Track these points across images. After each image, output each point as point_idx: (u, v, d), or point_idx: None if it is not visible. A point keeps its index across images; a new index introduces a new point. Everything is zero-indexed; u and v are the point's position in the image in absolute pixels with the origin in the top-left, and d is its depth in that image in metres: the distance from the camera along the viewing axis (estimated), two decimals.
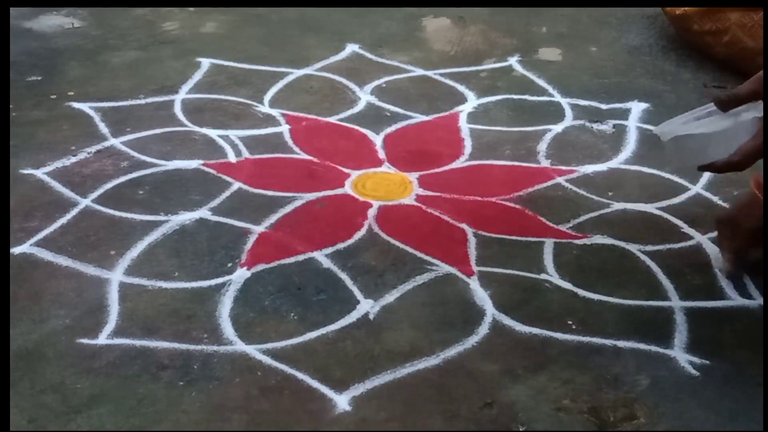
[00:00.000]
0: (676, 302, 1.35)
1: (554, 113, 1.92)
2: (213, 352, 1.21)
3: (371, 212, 1.54)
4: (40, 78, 1.98)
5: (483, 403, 1.15)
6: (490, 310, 1.32)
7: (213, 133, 1.78)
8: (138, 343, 1.23)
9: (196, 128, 1.80)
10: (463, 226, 1.51)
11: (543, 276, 1.39)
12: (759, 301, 1.36)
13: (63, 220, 1.49)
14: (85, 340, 1.23)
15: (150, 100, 1.91)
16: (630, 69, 2.14)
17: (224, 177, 1.63)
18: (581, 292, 1.36)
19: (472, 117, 1.89)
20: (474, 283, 1.37)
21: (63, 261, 1.39)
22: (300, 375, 1.18)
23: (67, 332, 1.24)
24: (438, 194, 1.60)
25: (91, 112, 1.84)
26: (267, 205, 1.55)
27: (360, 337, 1.26)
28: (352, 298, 1.33)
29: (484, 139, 1.81)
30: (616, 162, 1.73)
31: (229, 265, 1.39)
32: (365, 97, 1.96)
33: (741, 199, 1.39)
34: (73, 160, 1.66)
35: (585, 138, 1.83)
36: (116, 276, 1.36)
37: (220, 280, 1.36)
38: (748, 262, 1.39)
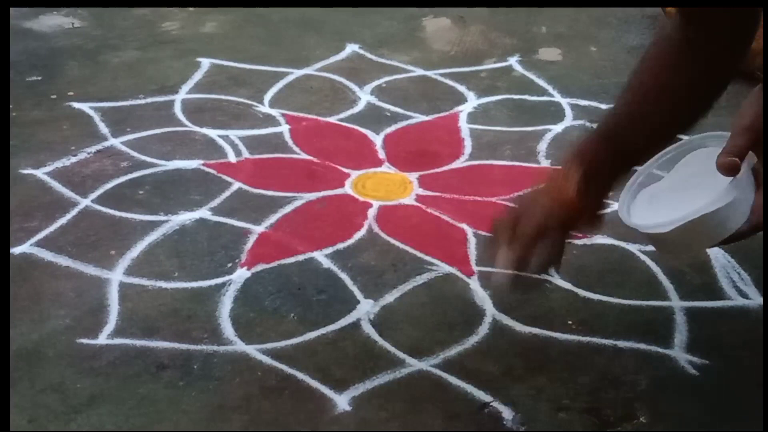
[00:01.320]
0: (676, 302, 1.35)
1: (554, 113, 1.92)
2: (213, 352, 1.21)
3: (371, 212, 1.55)
4: (40, 78, 1.98)
5: (483, 403, 1.15)
6: (490, 310, 1.32)
7: (213, 133, 1.78)
8: (138, 343, 1.23)
9: (196, 128, 1.80)
10: (463, 226, 1.51)
11: (543, 276, 1.39)
12: (759, 301, 1.36)
13: (63, 220, 1.49)
14: (85, 340, 1.23)
15: (150, 100, 1.91)
16: (630, 69, 2.13)
17: (224, 177, 1.63)
18: (581, 292, 1.36)
19: (472, 117, 1.89)
20: (474, 283, 1.37)
21: (63, 261, 1.39)
22: (300, 375, 1.18)
23: (67, 332, 1.24)
24: (438, 194, 1.60)
25: (91, 112, 1.84)
26: (267, 205, 1.55)
27: (360, 337, 1.26)
28: (352, 298, 1.33)
29: (484, 139, 1.81)
30: None
31: (229, 265, 1.39)
32: (365, 97, 1.96)
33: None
34: (73, 160, 1.66)
35: None
36: (116, 276, 1.36)
37: (220, 280, 1.36)
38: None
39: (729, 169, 0.96)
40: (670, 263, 1.43)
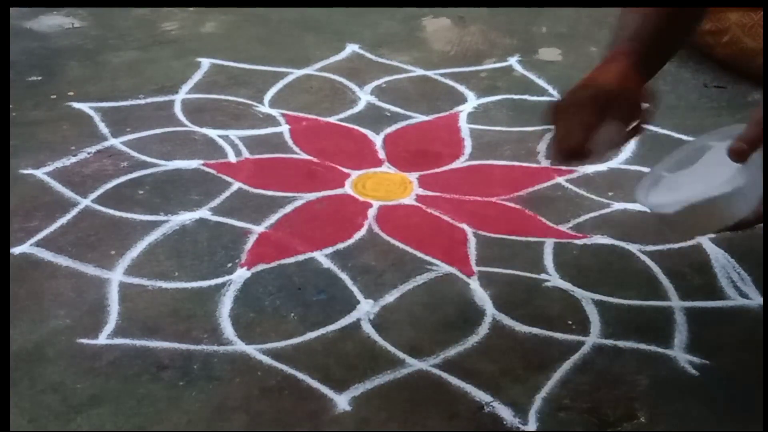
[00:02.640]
0: (676, 302, 1.35)
1: None
2: (213, 352, 1.21)
3: (371, 212, 1.55)
4: (40, 78, 1.98)
5: (483, 403, 1.15)
6: (490, 310, 1.32)
7: (213, 133, 1.78)
8: (138, 343, 1.23)
9: (196, 128, 1.80)
10: (463, 226, 1.51)
11: (543, 276, 1.39)
12: (758, 301, 1.36)
13: (63, 220, 1.49)
14: (85, 340, 1.23)
15: (150, 100, 1.91)
16: None
17: (224, 177, 1.63)
18: (581, 292, 1.36)
19: (472, 117, 1.89)
20: (474, 283, 1.37)
21: (63, 261, 1.39)
22: (300, 375, 1.18)
23: (67, 332, 1.24)
24: (438, 194, 1.61)
25: (91, 112, 1.84)
26: (267, 205, 1.55)
27: (360, 337, 1.26)
28: (352, 298, 1.33)
29: (484, 139, 1.81)
30: (616, 162, 1.73)
31: (229, 265, 1.39)
32: (365, 97, 1.96)
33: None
34: (73, 160, 1.66)
35: None
36: (116, 276, 1.36)
37: (220, 280, 1.36)
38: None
39: (737, 154, 0.97)
40: (671, 263, 1.44)
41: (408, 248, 1.45)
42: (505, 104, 1.96)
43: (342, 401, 1.14)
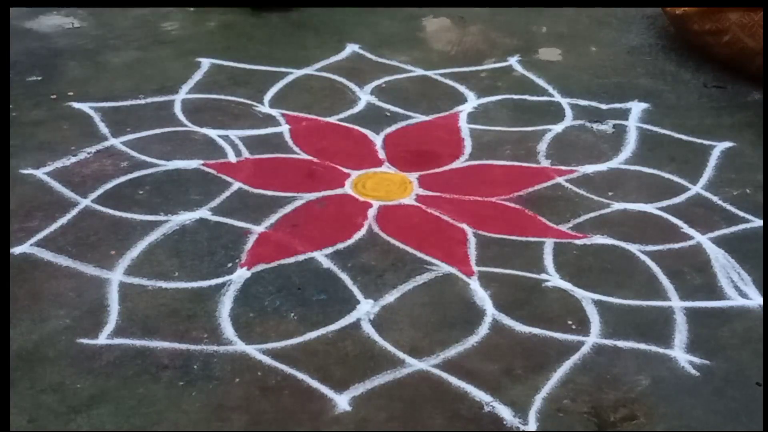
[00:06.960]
0: (676, 302, 1.35)
1: (554, 113, 1.92)
2: (213, 352, 1.21)
3: (371, 212, 1.55)
4: (40, 78, 1.98)
5: (483, 403, 1.15)
6: (490, 310, 1.32)
7: (213, 133, 1.78)
8: (138, 343, 1.23)
9: (196, 128, 1.80)
10: (463, 226, 1.51)
11: (543, 276, 1.40)
12: (759, 301, 1.36)
13: (63, 220, 1.49)
14: (85, 340, 1.23)
15: (150, 100, 1.90)
16: (630, 69, 2.14)
17: (224, 177, 1.63)
18: (581, 292, 1.36)
19: (472, 117, 1.89)
20: (474, 283, 1.37)
21: (63, 261, 1.39)
22: (300, 375, 1.18)
23: (67, 332, 1.24)
24: (438, 194, 1.61)
25: (91, 112, 1.83)
26: (267, 205, 1.55)
27: (360, 337, 1.26)
28: (352, 298, 1.33)
29: (484, 139, 1.81)
30: (616, 162, 1.73)
31: (229, 265, 1.39)
32: (365, 97, 1.96)
33: None
34: (73, 160, 1.66)
35: (585, 138, 1.83)
36: (116, 276, 1.36)
37: (220, 280, 1.36)
38: None
39: None
40: (671, 263, 1.44)
41: (408, 248, 1.45)
42: (505, 104, 1.96)
43: (342, 401, 1.14)
